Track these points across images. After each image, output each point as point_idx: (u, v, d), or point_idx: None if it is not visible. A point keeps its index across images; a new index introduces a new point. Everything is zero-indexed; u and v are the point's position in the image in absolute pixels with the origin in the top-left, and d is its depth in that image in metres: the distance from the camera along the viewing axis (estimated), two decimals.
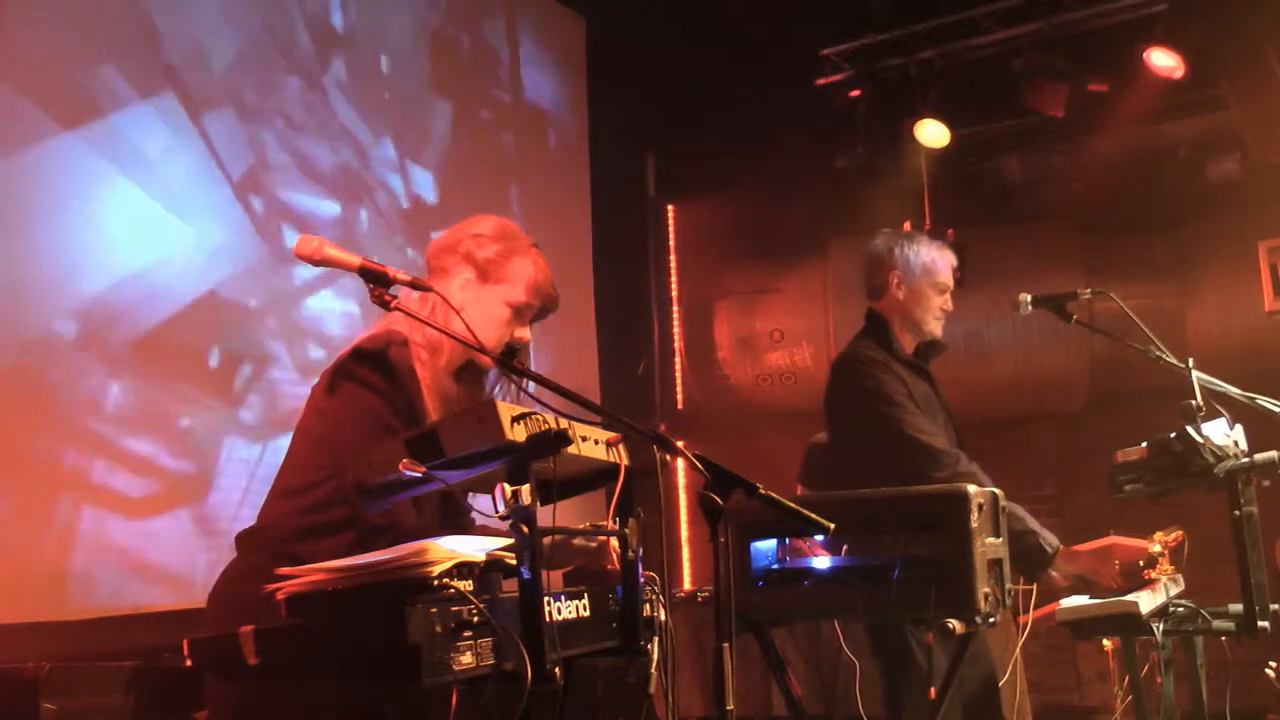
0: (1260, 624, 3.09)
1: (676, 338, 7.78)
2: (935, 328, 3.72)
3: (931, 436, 3.45)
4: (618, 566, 2.21)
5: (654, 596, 2.19)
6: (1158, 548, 3.48)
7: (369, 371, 2.35)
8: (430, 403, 2.41)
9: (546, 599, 1.88)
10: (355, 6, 5.47)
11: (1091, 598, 3.31)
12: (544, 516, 1.92)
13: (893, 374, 3.58)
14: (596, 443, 2.14)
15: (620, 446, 2.18)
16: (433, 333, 2.39)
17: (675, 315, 7.80)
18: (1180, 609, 3.33)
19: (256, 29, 4.93)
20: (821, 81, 7.01)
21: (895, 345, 3.68)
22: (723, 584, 1.92)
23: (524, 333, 2.58)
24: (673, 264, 7.84)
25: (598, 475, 2.23)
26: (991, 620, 2.77)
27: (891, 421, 3.49)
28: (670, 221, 7.88)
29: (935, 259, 3.72)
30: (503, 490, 1.86)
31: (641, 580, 2.13)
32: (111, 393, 4.22)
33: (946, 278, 3.73)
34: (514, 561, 1.86)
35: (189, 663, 1.86)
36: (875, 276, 3.77)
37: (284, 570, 1.85)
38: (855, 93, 6.95)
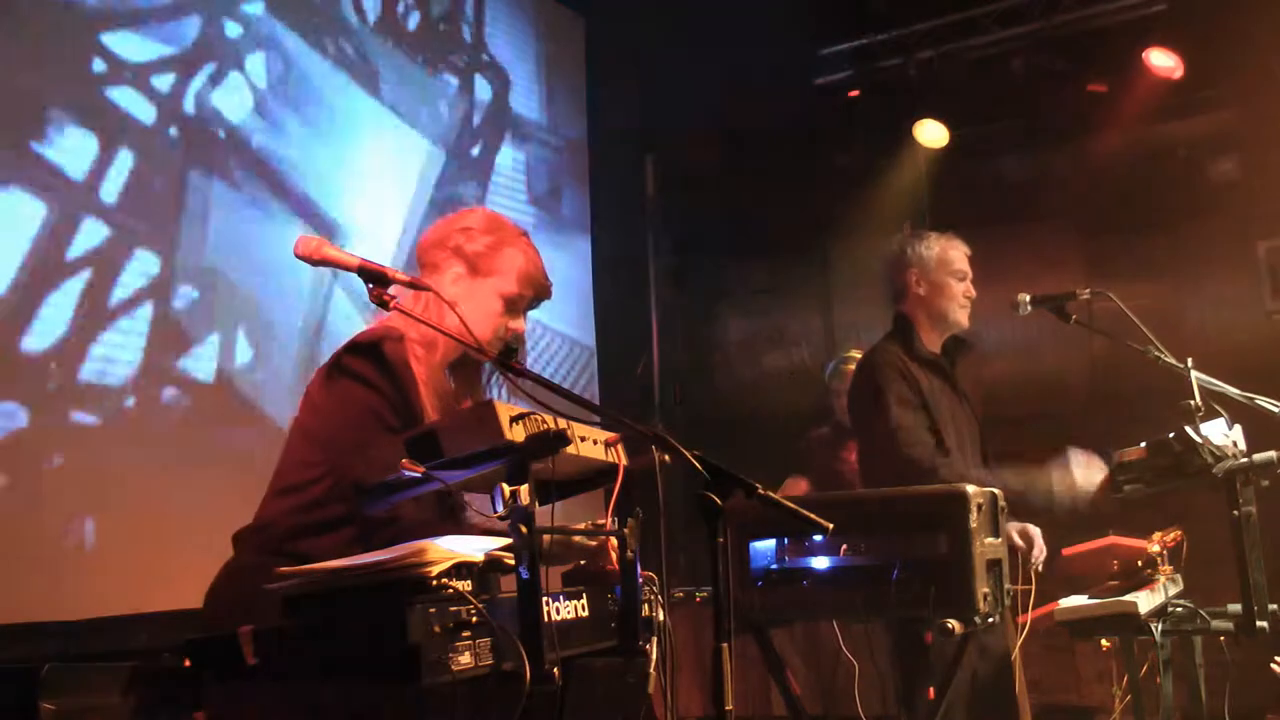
0: (1259, 624, 3.09)
1: (677, 338, 7.77)
2: (962, 316, 3.75)
3: (919, 443, 3.47)
4: (617, 566, 2.22)
5: (652, 596, 2.19)
6: (1157, 548, 3.48)
7: (364, 368, 2.35)
8: (426, 399, 2.41)
9: (545, 599, 1.88)
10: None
11: (1090, 598, 3.32)
12: (543, 516, 1.92)
13: (903, 374, 3.60)
14: (595, 443, 2.14)
15: (619, 446, 2.18)
16: (428, 329, 2.39)
17: (675, 315, 7.79)
18: (1179, 609, 3.33)
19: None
20: (821, 81, 7.01)
21: (917, 345, 3.70)
22: (722, 584, 1.92)
23: (518, 323, 2.58)
24: (672, 264, 7.83)
25: (596, 475, 2.24)
26: (990, 620, 2.77)
27: (886, 423, 3.54)
28: (670, 221, 7.86)
29: (947, 249, 3.77)
30: (502, 490, 1.86)
31: (640, 580, 2.13)
32: (112, 390, 4.22)
33: (963, 264, 3.77)
34: (513, 562, 1.86)
35: (188, 663, 1.86)
36: (895, 279, 3.80)
37: (283, 570, 1.85)
38: (855, 93, 6.95)
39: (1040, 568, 3.44)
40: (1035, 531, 3.52)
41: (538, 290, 2.59)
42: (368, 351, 2.37)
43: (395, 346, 2.40)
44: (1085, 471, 3.41)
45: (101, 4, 4.35)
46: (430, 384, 2.43)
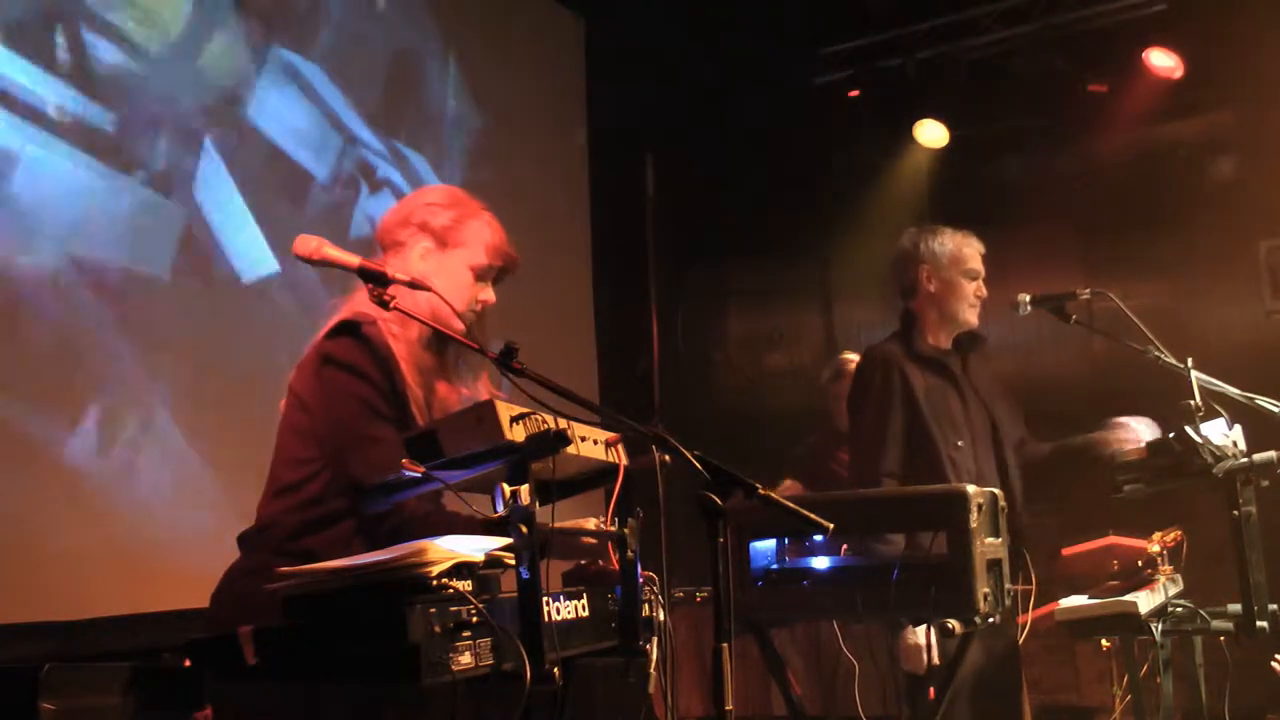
0: (1259, 624, 3.09)
1: (677, 338, 7.77)
2: (971, 316, 3.74)
3: (871, 457, 3.52)
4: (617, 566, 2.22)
5: (653, 597, 2.19)
6: (1157, 548, 3.48)
7: (350, 356, 2.36)
8: (410, 376, 2.42)
9: (545, 599, 1.88)
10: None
11: (1090, 598, 3.32)
12: (543, 516, 1.92)
13: (894, 374, 3.60)
14: (595, 443, 2.14)
15: (619, 446, 2.18)
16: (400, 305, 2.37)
17: (675, 315, 7.79)
18: (1179, 609, 3.33)
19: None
20: (821, 81, 7.01)
21: (917, 343, 3.70)
22: (722, 584, 1.92)
23: (488, 294, 2.61)
24: (672, 264, 7.83)
25: (597, 475, 2.24)
26: (991, 620, 2.77)
27: (861, 424, 3.61)
28: (669, 221, 7.87)
29: (961, 246, 3.76)
30: (502, 490, 1.87)
31: (640, 580, 2.13)
32: (113, 390, 4.22)
33: (975, 264, 3.75)
34: (513, 562, 1.86)
35: (189, 663, 1.86)
36: (905, 275, 3.79)
37: (284, 570, 1.85)
38: (855, 92, 6.95)
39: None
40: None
41: (506, 260, 2.61)
42: (348, 341, 2.39)
43: (373, 330, 2.41)
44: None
45: None
46: (410, 360, 2.45)
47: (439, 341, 2.52)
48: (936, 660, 3.26)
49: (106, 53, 4.30)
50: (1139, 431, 3.50)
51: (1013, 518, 3.48)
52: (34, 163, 4.03)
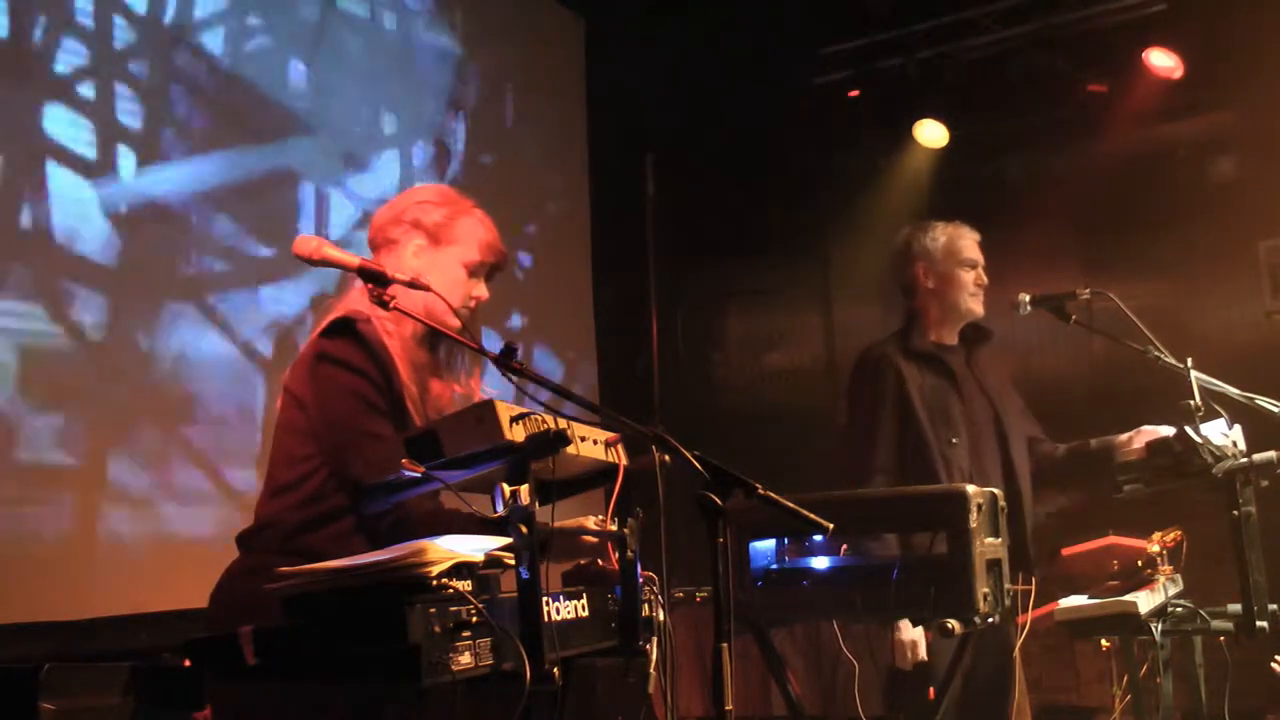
0: (1259, 624, 3.09)
1: (677, 338, 7.76)
2: (975, 305, 3.72)
3: (858, 456, 3.52)
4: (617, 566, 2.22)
5: (653, 597, 2.19)
6: (1157, 548, 3.48)
7: (346, 353, 2.37)
8: (404, 371, 2.44)
9: (545, 599, 1.88)
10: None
11: (1090, 598, 3.32)
12: (543, 516, 1.92)
13: (887, 372, 3.60)
14: (595, 443, 2.14)
15: (619, 446, 2.19)
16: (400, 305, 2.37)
17: (675, 315, 7.79)
18: (1179, 609, 3.33)
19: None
20: (821, 81, 7.01)
21: (915, 340, 3.68)
22: (722, 584, 1.92)
23: (482, 290, 2.63)
24: (672, 264, 7.82)
25: (597, 475, 2.24)
26: (990, 620, 2.77)
27: (854, 421, 3.62)
28: (669, 221, 7.86)
29: (955, 238, 3.74)
30: (502, 490, 1.87)
31: (640, 580, 2.13)
32: (115, 391, 4.22)
33: (972, 253, 3.73)
34: (513, 562, 1.86)
35: (189, 663, 1.86)
36: (903, 274, 3.78)
37: (283, 570, 1.85)
38: (855, 93, 6.95)
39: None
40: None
41: (498, 257, 2.64)
42: (343, 338, 2.40)
43: (368, 328, 2.42)
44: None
45: None
46: (404, 356, 2.46)
47: (432, 338, 2.53)
48: (924, 657, 3.27)
49: None
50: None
51: (1019, 516, 3.49)
52: None
